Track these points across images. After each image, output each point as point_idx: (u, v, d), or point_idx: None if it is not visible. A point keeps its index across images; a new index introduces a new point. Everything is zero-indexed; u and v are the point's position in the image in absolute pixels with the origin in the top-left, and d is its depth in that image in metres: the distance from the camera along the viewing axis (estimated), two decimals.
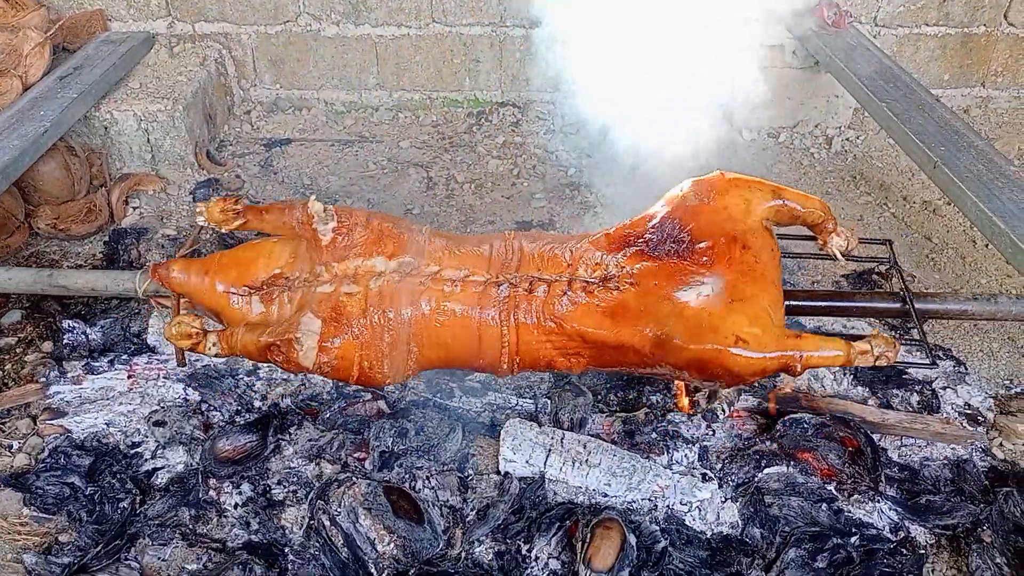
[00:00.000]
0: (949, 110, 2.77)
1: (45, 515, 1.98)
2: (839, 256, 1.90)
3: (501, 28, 3.70)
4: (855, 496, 2.03)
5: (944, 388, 2.35)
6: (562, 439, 2.07)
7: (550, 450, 2.04)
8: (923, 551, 1.94)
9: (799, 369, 1.69)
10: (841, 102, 3.68)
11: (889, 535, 1.96)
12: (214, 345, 1.82)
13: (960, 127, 2.64)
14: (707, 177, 1.84)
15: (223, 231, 1.96)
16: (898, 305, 2.00)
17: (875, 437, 2.15)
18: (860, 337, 1.77)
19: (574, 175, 3.46)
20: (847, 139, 3.70)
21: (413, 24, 3.69)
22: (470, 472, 2.07)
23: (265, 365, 2.35)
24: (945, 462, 2.15)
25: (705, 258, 1.72)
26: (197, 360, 2.36)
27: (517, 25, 3.68)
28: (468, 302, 1.74)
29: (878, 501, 2.02)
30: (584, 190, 3.35)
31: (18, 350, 2.48)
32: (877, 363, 1.73)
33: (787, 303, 1.82)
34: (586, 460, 2.02)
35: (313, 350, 1.70)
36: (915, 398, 2.31)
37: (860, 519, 1.99)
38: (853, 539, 1.92)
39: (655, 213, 1.83)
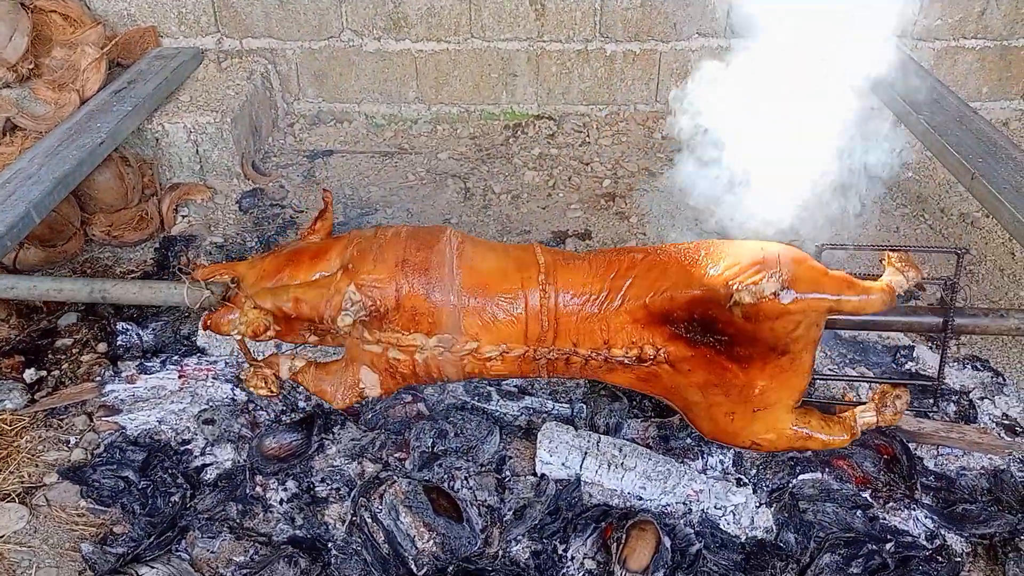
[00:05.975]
0: (987, 122, 2.77)
1: (101, 507, 2.07)
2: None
3: (538, 43, 3.77)
4: (890, 503, 2.04)
5: (981, 398, 2.35)
6: (598, 443, 2.11)
7: (586, 453, 2.08)
8: (959, 559, 1.94)
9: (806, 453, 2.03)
10: (877, 114, 3.68)
11: (925, 543, 1.97)
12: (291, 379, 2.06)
13: (999, 139, 2.64)
14: (761, 305, 1.67)
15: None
16: (938, 320, 1.90)
17: (911, 446, 2.16)
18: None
19: (609, 186, 3.50)
20: (883, 151, 3.68)
21: (452, 39, 3.78)
22: (507, 473, 2.11)
23: None
24: (982, 472, 2.15)
25: (742, 361, 1.80)
26: (244, 362, 2.45)
27: (554, 40, 3.75)
28: (510, 368, 1.94)
29: (913, 509, 2.03)
30: (619, 200, 3.40)
31: (74, 351, 2.59)
32: (882, 424, 1.93)
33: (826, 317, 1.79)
34: (621, 463, 2.06)
35: (377, 393, 1.99)
36: (952, 408, 2.31)
37: (895, 526, 2.00)
38: (888, 545, 1.93)
39: (699, 295, 1.76)
